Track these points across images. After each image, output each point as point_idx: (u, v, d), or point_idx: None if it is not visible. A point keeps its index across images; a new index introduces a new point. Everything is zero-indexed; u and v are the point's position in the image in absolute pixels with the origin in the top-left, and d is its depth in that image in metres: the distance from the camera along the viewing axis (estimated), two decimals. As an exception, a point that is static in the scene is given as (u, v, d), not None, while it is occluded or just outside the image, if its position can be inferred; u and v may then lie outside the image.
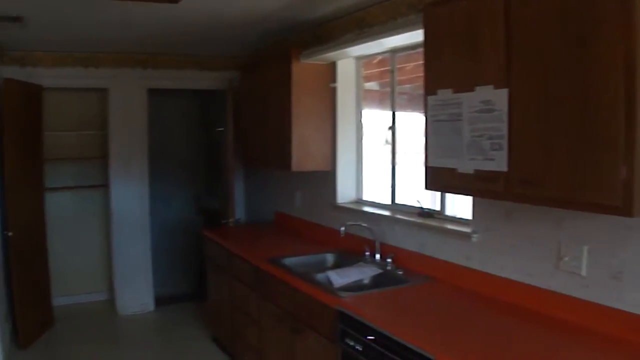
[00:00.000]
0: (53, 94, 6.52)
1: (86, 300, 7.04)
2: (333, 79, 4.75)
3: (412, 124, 4.09)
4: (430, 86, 2.99)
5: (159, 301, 6.87)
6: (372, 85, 4.85)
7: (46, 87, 6.06)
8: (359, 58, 4.70)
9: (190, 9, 4.12)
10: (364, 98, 4.79)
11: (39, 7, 4.10)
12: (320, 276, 3.77)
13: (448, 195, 3.78)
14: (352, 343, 3.01)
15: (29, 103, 5.77)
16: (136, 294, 6.64)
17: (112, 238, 6.58)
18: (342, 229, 4.10)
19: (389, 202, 4.34)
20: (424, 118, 3.05)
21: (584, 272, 2.67)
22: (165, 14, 4.29)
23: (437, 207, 3.87)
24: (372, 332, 2.84)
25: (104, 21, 4.62)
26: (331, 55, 4.46)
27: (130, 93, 6.41)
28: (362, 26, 4.15)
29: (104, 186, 6.86)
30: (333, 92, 4.78)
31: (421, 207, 3.90)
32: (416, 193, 3.91)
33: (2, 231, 5.26)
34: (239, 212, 6.84)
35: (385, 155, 4.38)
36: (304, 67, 4.70)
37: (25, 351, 5.43)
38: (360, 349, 2.94)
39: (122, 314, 6.59)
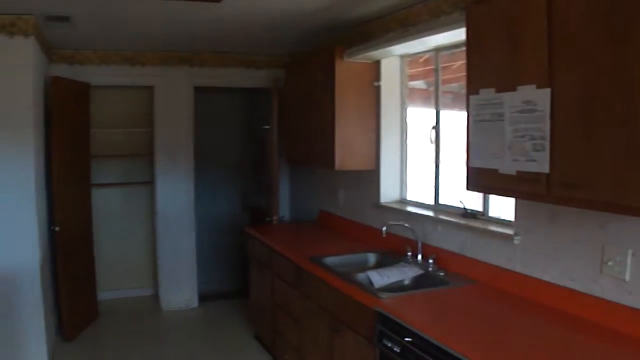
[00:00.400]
0: (100, 91, 6.67)
1: (131, 295, 7.17)
2: (377, 77, 4.72)
3: (457, 124, 4.03)
4: (473, 85, 2.95)
5: (203, 298, 6.95)
6: (418, 83, 4.80)
7: (93, 85, 6.20)
8: (403, 57, 4.66)
9: (233, 8, 4.16)
10: (408, 96, 4.75)
11: (86, 7, 4.21)
12: (360, 276, 3.76)
13: (494, 197, 3.71)
14: (390, 344, 2.99)
15: (77, 100, 5.91)
16: (180, 290, 6.74)
17: (158, 234, 6.69)
18: (384, 228, 4.07)
19: (432, 202, 4.29)
20: (466, 118, 3.01)
21: (627, 277, 2.59)
22: (208, 13, 4.35)
23: (483, 208, 3.81)
24: (411, 334, 2.82)
25: (150, 20, 4.72)
26: (374, 53, 4.44)
27: (176, 91, 6.50)
28: (406, 24, 4.12)
29: (150, 183, 6.98)
30: (377, 91, 4.75)
31: (464, 208, 3.84)
32: (460, 193, 3.85)
33: (49, 226, 5.41)
34: (284, 210, 6.87)
35: (429, 155, 4.33)
36: (347, 66, 4.69)
37: (69, 343, 5.57)
38: (398, 351, 2.91)
39: (166, 310, 6.70)
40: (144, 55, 6.29)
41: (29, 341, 4.71)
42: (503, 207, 3.68)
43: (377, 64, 4.71)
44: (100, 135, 6.81)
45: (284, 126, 5.98)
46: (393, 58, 4.67)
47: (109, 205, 7.09)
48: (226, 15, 4.44)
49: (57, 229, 5.37)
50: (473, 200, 3.86)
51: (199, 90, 6.68)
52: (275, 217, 6.32)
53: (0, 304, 3.95)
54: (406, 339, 2.84)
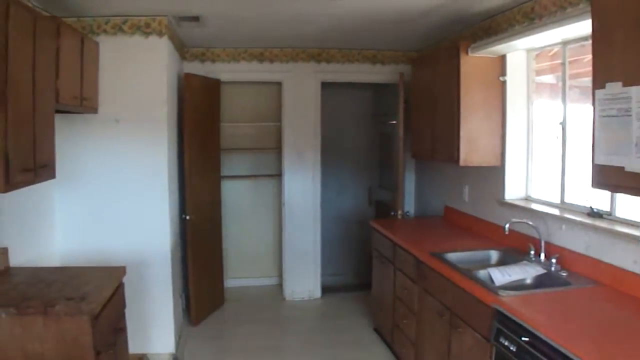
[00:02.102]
0: (230, 87, 7.00)
1: (256, 284, 7.47)
2: (503, 72, 4.62)
3: (585, 119, 3.87)
4: (598, 79, 2.82)
5: (326, 289, 7.11)
6: (547, 78, 4.64)
7: (223, 81, 6.53)
8: (529, 50, 4.53)
9: (359, 4, 4.24)
10: (535, 91, 4.61)
11: (215, 7, 4.47)
12: (481, 273, 3.72)
13: (623, 196, 3.54)
14: (506, 343, 2.95)
15: (208, 96, 6.23)
16: (304, 281, 6.94)
17: (284, 226, 6.90)
18: (507, 226, 4.00)
19: (557, 200, 4.15)
20: (592, 113, 2.89)
21: None
22: (332, 9, 4.45)
23: (610, 208, 3.64)
24: (528, 333, 2.77)
25: (277, 18, 4.89)
26: (499, 47, 4.35)
27: (303, 86, 6.69)
28: (531, 17, 4.02)
29: (278, 176, 7.22)
30: (503, 85, 4.65)
31: (590, 207, 3.69)
32: (586, 192, 3.70)
33: (181, 215, 5.74)
34: (409, 205, 6.88)
35: (555, 151, 4.19)
36: (473, 61, 4.63)
37: (195, 327, 5.91)
38: (514, 350, 2.87)
39: (289, 300, 6.92)
40: (272, 51, 6.54)
41: (158, 323, 5.03)
42: (632, 207, 3.50)
43: (502, 58, 4.61)
44: (230, 129, 7.16)
45: (410, 121, 5.98)
46: (519, 52, 4.55)
47: (237, 197, 7.43)
48: (352, 11, 4.54)
49: (188, 217, 5.71)
50: (601, 199, 3.70)
51: (325, 85, 6.82)
52: (400, 212, 6.34)
53: (133, 286, 4.23)
54: (523, 338, 2.80)
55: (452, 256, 4.18)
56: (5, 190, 2.79)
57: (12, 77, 2.79)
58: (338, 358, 5.26)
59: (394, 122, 6.76)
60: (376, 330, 5.76)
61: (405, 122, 6.18)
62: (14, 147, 2.83)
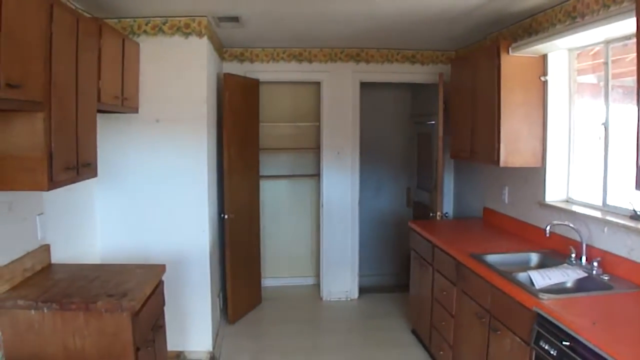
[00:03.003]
0: (269, 87, 7.05)
1: (293, 284, 7.50)
2: (544, 72, 4.55)
3: (629, 120, 3.79)
4: (643, 79, 2.78)
5: (363, 290, 7.10)
6: (588, 78, 4.56)
7: (262, 81, 6.57)
8: (571, 50, 4.45)
9: (397, 3, 4.23)
10: (577, 91, 4.53)
11: (254, 7, 4.51)
12: (521, 275, 3.67)
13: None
14: (546, 347, 2.91)
15: (247, 96, 6.27)
16: (341, 282, 6.94)
17: (322, 226, 6.92)
18: (548, 228, 3.95)
19: (599, 202, 4.07)
20: (636, 113, 2.84)
21: None
22: (372, 10, 4.45)
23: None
24: (569, 337, 2.73)
25: (317, 18, 4.93)
26: (541, 47, 4.28)
27: (342, 86, 6.70)
28: (573, 16, 3.95)
29: (316, 176, 7.24)
30: (544, 85, 4.58)
31: (633, 210, 3.61)
32: (630, 194, 3.63)
33: (220, 214, 5.80)
34: (447, 206, 6.83)
35: (597, 153, 4.11)
36: (513, 60, 4.57)
37: (232, 325, 5.98)
38: (555, 354, 2.83)
39: (326, 300, 6.94)
40: (311, 51, 6.57)
41: (196, 321, 5.09)
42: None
43: (543, 57, 4.54)
44: (269, 129, 7.21)
45: (449, 121, 5.94)
46: (561, 51, 4.48)
47: (275, 197, 7.48)
48: (392, 11, 4.54)
49: (226, 217, 5.76)
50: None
51: (363, 85, 6.82)
52: (438, 213, 6.30)
53: (172, 284, 4.29)
54: (564, 342, 2.76)
55: (491, 258, 4.13)
56: (49, 188, 2.86)
57: (56, 77, 2.86)
58: (375, 359, 5.26)
59: (433, 122, 6.73)
60: (413, 331, 5.74)
61: (444, 123, 6.14)
62: (58, 146, 2.90)
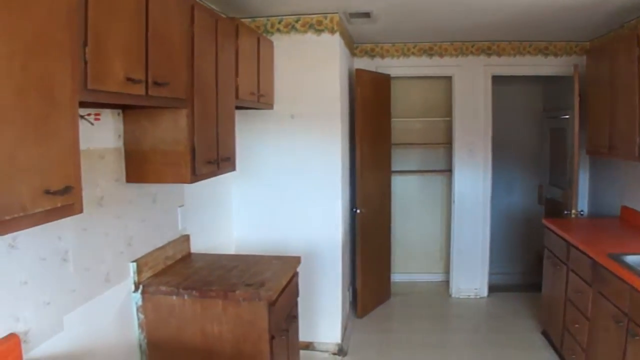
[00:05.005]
0: (399, 82, 7.05)
1: (422, 280, 7.48)
2: (690, 62, 4.26)
3: None
4: None
5: (493, 288, 6.95)
6: None
7: (393, 76, 6.59)
8: None
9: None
10: None
11: (386, 1, 4.51)
12: (664, 278, 3.47)
13: None
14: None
15: (378, 91, 6.31)
16: (471, 279, 6.84)
17: (453, 222, 6.86)
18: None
19: None
20: None
21: None
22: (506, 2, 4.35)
23: None
24: None
25: (447, 11, 4.86)
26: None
27: (473, 80, 6.61)
28: None
29: (448, 171, 7.16)
30: (691, 77, 4.28)
31: None
32: None
33: (351, 208, 5.87)
34: (582, 204, 6.53)
35: None
36: (655, 50, 4.31)
37: (360, 320, 6.04)
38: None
39: (454, 297, 6.88)
40: (442, 46, 6.53)
41: (326, 313, 5.19)
42: None
43: (690, 47, 4.25)
44: (400, 124, 7.22)
45: (585, 115, 5.68)
46: None
47: (406, 192, 7.49)
48: (524, 1, 4.40)
49: (358, 211, 5.83)
50: None
51: (494, 79, 6.68)
52: (573, 211, 6.04)
53: (304, 276, 4.37)
54: None
55: (632, 259, 3.90)
56: (191, 181, 3.04)
57: (198, 75, 3.03)
58: (503, 359, 5.14)
59: (567, 116, 6.46)
60: (544, 333, 5.55)
61: (581, 117, 5.87)
62: (200, 141, 3.08)
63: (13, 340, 2.17)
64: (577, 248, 4.55)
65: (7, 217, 1.61)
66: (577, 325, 4.46)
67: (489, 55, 6.53)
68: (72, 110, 1.90)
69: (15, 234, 2.15)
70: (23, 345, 2.24)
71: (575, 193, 6.10)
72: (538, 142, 7.89)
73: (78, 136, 1.94)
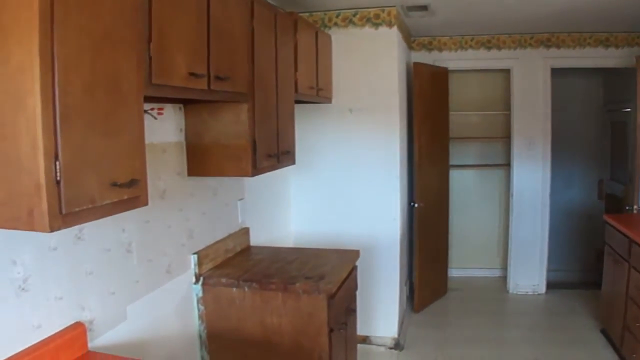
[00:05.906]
0: (457, 75, 6.97)
1: (479, 275, 7.38)
2: None
3: None
4: None
5: (551, 285, 6.83)
6: None
7: (451, 69, 6.54)
8: None
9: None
10: None
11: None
12: None
13: None
14: None
15: (436, 85, 6.26)
16: (529, 275, 6.73)
17: (511, 217, 6.77)
18: None
19: None
20: None
21: None
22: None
23: None
24: None
25: (505, 3, 4.78)
26: None
27: (532, 73, 6.49)
28: None
29: (506, 165, 7.06)
30: None
31: None
32: None
33: (409, 202, 5.84)
34: (645, 199, 6.36)
35: None
36: None
37: (417, 314, 6.02)
38: None
39: (512, 293, 6.77)
40: (500, 38, 6.44)
41: (383, 307, 5.18)
42: None
43: None
44: (458, 117, 7.13)
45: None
46: None
47: (464, 186, 7.42)
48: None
49: (416, 205, 5.81)
50: None
51: (553, 71, 6.54)
52: (635, 207, 5.88)
53: (362, 270, 4.36)
54: None
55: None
56: (252, 175, 3.09)
57: (258, 70, 3.08)
58: (560, 357, 5.05)
59: (628, 109, 6.27)
60: (603, 331, 5.41)
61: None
62: (261, 135, 3.13)
63: (79, 328, 2.25)
64: (638, 245, 4.42)
65: (77, 209, 1.66)
66: (638, 324, 4.34)
67: (548, 47, 6.39)
68: (137, 105, 1.95)
69: (81, 225, 2.22)
70: (88, 334, 2.32)
71: (637, 188, 5.93)
72: (598, 135, 7.67)
73: (143, 130, 1.99)
